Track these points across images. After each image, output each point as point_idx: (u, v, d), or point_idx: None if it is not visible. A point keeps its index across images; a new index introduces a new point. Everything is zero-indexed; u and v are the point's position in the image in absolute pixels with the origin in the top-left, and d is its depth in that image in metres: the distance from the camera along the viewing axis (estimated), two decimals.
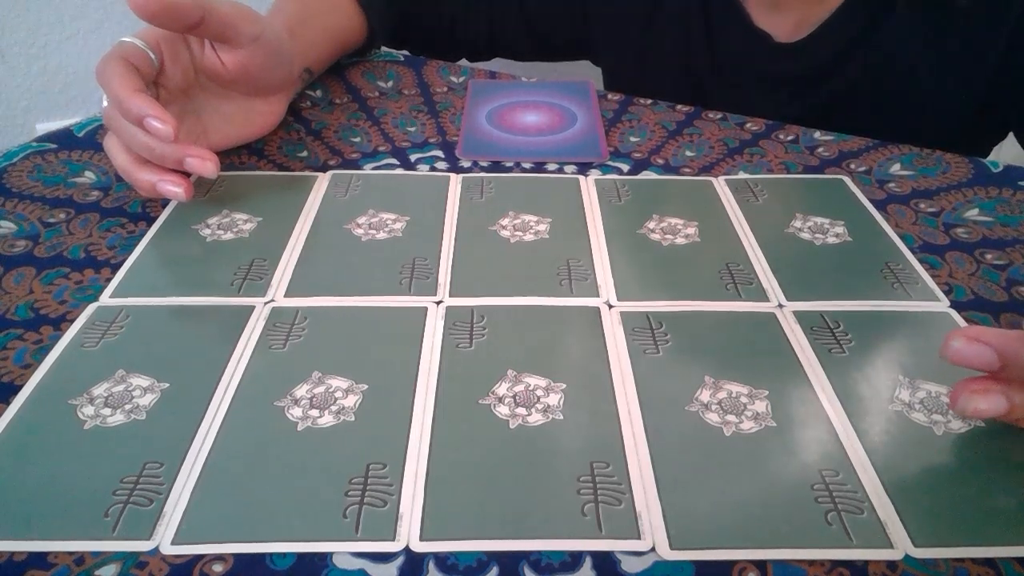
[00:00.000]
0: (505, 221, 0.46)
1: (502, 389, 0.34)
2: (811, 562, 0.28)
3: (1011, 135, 0.65)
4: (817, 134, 0.57)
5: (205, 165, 0.44)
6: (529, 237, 0.45)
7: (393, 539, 0.28)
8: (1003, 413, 0.30)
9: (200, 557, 0.28)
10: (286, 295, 0.40)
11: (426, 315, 0.39)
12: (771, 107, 0.61)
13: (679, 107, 0.61)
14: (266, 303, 0.40)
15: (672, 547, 0.28)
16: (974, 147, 0.64)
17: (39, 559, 0.27)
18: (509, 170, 0.53)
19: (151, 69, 0.45)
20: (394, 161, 0.53)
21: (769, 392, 0.34)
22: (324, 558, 0.27)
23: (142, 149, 0.44)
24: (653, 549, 0.28)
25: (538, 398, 0.34)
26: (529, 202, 0.48)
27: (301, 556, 0.28)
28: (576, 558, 0.28)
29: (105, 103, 0.44)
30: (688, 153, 0.54)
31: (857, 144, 0.55)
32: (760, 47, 0.65)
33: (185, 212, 0.47)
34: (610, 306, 0.40)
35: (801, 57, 0.64)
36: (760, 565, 0.27)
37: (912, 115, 0.62)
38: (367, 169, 0.52)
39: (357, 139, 0.56)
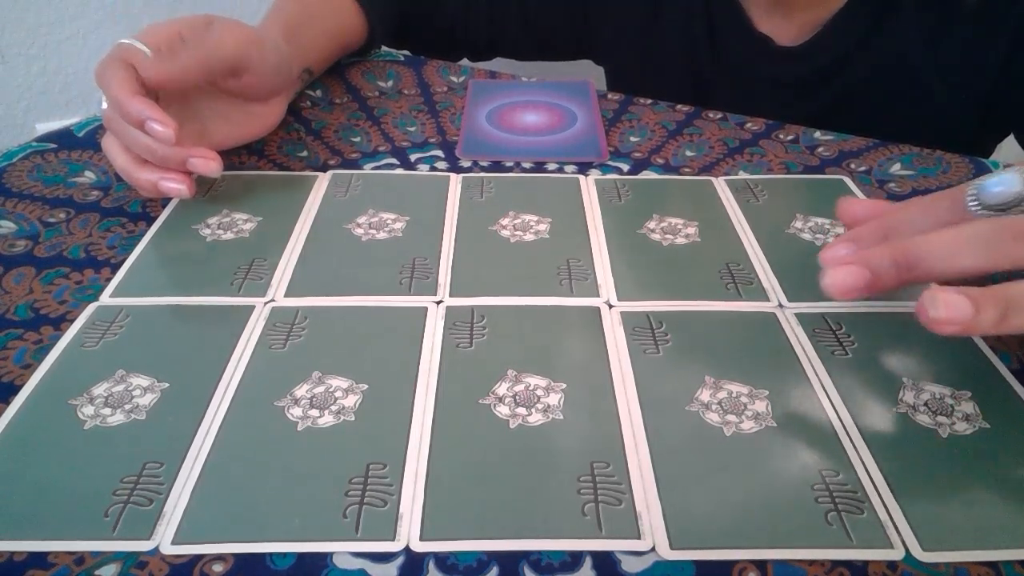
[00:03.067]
0: (505, 221, 0.46)
1: (502, 389, 0.34)
2: (811, 562, 0.28)
3: (1012, 135, 0.65)
4: (817, 134, 0.57)
5: (209, 165, 0.44)
6: (529, 237, 0.45)
7: (393, 539, 0.28)
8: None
9: (200, 557, 0.28)
10: (286, 295, 0.40)
11: (426, 315, 0.39)
12: (775, 109, 0.61)
13: (679, 107, 0.61)
14: (266, 303, 0.40)
15: (672, 547, 0.28)
16: (976, 147, 0.64)
17: (39, 559, 0.27)
18: (509, 170, 0.53)
19: None
20: (394, 161, 0.53)
21: (769, 392, 0.34)
22: (324, 558, 0.27)
23: (144, 151, 0.44)
24: (653, 549, 0.28)
25: (538, 398, 0.34)
26: (529, 202, 0.48)
27: (301, 556, 0.28)
28: (576, 558, 0.28)
29: (105, 104, 0.44)
30: (688, 153, 0.54)
31: (857, 144, 0.55)
32: (762, 51, 0.65)
33: (185, 212, 0.47)
34: (610, 306, 0.40)
35: (804, 60, 0.64)
36: (760, 565, 0.27)
37: (915, 116, 0.62)
38: (367, 169, 0.52)
39: (357, 139, 0.56)
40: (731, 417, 0.33)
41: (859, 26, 0.61)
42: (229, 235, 0.45)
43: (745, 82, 0.67)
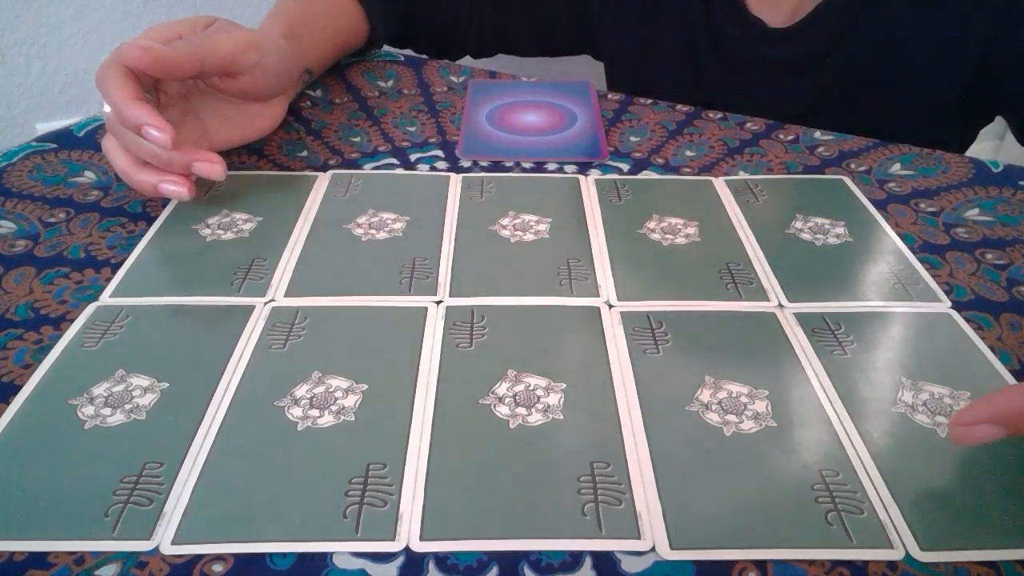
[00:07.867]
0: (505, 221, 0.46)
1: (502, 389, 0.34)
2: (811, 562, 0.28)
3: (1009, 134, 0.65)
4: (817, 134, 0.57)
5: (214, 169, 0.44)
6: (529, 237, 0.45)
7: (393, 539, 0.28)
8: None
9: (200, 557, 0.28)
10: (286, 295, 0.40)
11: (426, 315, 0.39)
12: (770, 90, 0.61)
13: (679, 107, 0.61)
14: (266, 303, 0.40)
15: (672, 547, 0.28)
16: (962, 129, 0.66)
17: (39, 559, 0.27)
18: (509, 170, 0.53)
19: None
20: (394, 161, 0.53)
21: (769, 392, 0.34)
22: (324, 558, 0.27)
23: (147, 155, 0.44)
24: (653, 549, 0.28)
25: (538, 398, 0.34)
26: (529, 202, 0.48)
27: (301, 556, 0.28)
28: (576, 558, 0.28)
29: (107, 107, 0.44)
30: (688, 153, 0.54)
31: (857, 144, 0.55)
32: (755, 33, 0.66)
33: (185, 212, 0.47)
34: (610, 306, 0.40)
35: (794, 41, 0.65)
36: (760, 565, 0.27)
37: (903, 96, 0.63)
38: (367, 169, 0.52)
39: (357, 139, 0.56)
40: (731, 417, 0.33)
41: (848, 7, 0.62)
42: (229, 235, 0.45)
43: (741, 65, 0.68)
